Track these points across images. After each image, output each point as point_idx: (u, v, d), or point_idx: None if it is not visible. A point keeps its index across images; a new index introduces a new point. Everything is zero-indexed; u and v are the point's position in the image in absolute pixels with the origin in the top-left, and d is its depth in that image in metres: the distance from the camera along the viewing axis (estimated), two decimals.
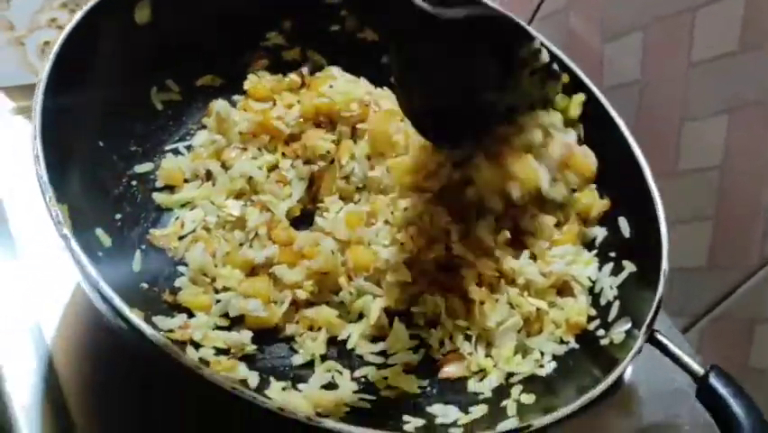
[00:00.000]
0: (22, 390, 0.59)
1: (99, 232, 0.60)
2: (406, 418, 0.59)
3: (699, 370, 0.61)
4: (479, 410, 0.61)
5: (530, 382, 0.64)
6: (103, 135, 0.66)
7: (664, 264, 0.65)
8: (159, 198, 0.69)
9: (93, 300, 0.52)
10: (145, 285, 0.62)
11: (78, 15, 0.63)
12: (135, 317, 0.49)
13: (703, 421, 0.67)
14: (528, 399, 0.62)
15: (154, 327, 0.56)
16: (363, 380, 0.63)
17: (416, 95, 0.62)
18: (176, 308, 0.62)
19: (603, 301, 0.69)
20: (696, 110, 0.79)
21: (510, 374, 0.65)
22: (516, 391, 0.63)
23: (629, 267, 0.69)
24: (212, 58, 0.76)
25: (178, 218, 0.68)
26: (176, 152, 0.73)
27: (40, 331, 0.62)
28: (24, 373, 0.60)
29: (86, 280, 0.50)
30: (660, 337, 0.62)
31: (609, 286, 0.69)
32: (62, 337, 0.62)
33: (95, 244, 0.59)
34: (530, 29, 0.70)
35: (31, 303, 0.64)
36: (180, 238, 0.67)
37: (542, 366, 0.66)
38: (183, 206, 0.69)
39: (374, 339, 0.66)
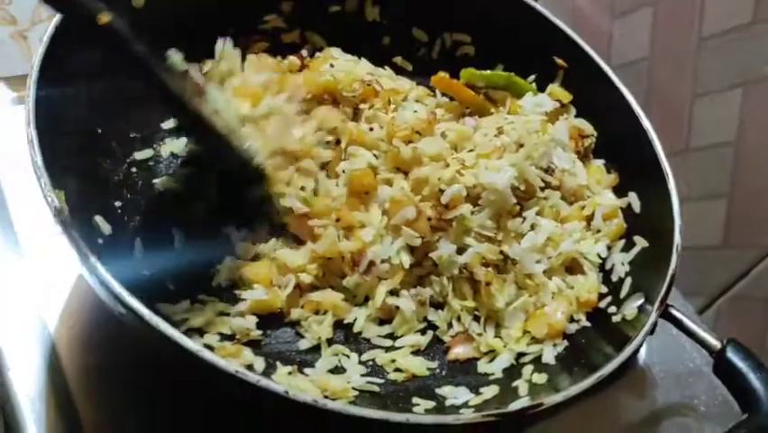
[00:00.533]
0: (27, 379, 0.59)
1: (99, 219, 0.59)
2: (415, 400, 0.59)
3: (716, 344, 0.60)
4: (489, 391, 0.61)
5: (541, 362, 0.63)
6: (100, 122, 0.65)
7: (677, 238, 0.64)
8: (160, 183, 0.68)
9: (94, 288, 0.51)
10: (147, 272, 0.61)
11: None
12: (136, 303, 0.48)
13: (720, 400, 0.67)
14: (540, 378, 0.61)
15: (157, 313, 0.56)
16: (371, 363, 0.63)
17: None
18: (179, 294, 0.61)
19: (614, 278, 0.68)
20: (708, 85, 0.78)
21: (521, 354, 0.64)
22: (527, 370, 0.63)
23: (641, 242, 0.69)
24: (210, 41, 0.75)
25: None
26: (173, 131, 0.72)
27: (43, 321, 0.62)
28: (28, 362, 0.60)
29: (85, 267, 0.50)
30: (674, 312, 0.62)
31: (621, 262, 0.69)
32: (65, 327, 0.62)
33: (94, 231, 0.58)
34: None
35: (33, 293, 0.64)
36: None
37: (553, 345, 0.65)
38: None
39: (381, 322, 0.66)
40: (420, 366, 0.63)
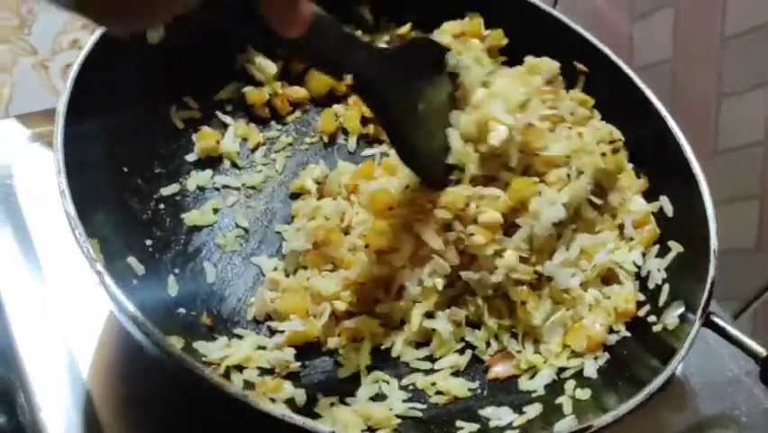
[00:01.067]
0: (59, 421, 0.58)
1: (131, 260, 0.59)
2: (459, 423, 0.59)
3: (762, 351, 0.60)
4: (533, 410, 0.60)
5: (583, 376, 0.63)
6: (126, 160, 0.65)
7: (713, 242, 0.64)
8: (188, 218, 0.68)
9: (131, 331, 0.51)
10: (182, 310, 0.62)
11: (91, 41, 0.62)
12: (177, 350, 0.49)
13: (761, 409, 0.66)
14: (584, 394, 0.61)
15: (196, 354, 0.57)
16: (412, 388, 0.63)
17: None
18: (216, 330, 0.61)
19: (651, 285, 0.67)
20: (733, 85, 0.77)
21: (562, 369, 0.64)
22: (569, 386, 0.62)
23: (676, 248, 0.68)
24: (228, 71, 0.75)
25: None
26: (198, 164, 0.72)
27: (74, 361, 0.62)
28: (60, 404, 0.59)
29: (122, 313, 0.50)
30: (716, 320, 0.61)
31: (657, 269, 0.68)
32: (98, 367, 0.62)
33: (128, 273, 0.58)
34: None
35: (63, 332, 0.64)
36: None
37: (594, 358, 0.64)
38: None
39: (418, 345, 0.65)
40: (461, 387, 0.63)
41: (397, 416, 0.58)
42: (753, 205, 0.77)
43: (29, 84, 0.82)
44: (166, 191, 0.68)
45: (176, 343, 0.55)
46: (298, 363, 0.61)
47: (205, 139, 0.72)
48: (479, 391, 0.64)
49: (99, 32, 0.62)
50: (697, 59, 0.80)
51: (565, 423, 0.57)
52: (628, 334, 0.66)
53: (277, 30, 0.48)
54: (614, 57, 0.76)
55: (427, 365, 0.64)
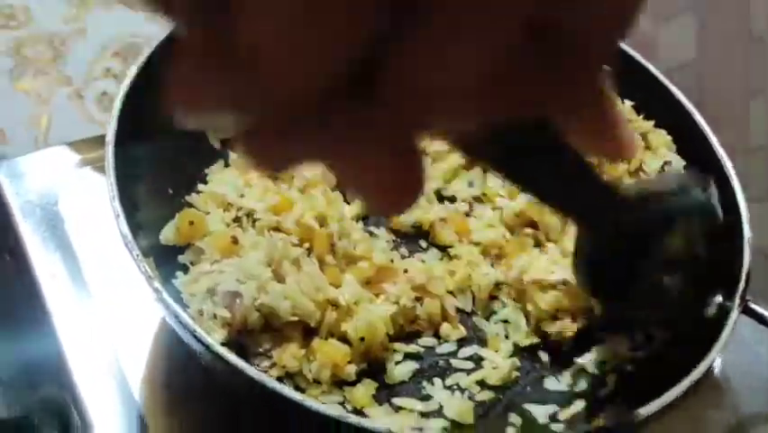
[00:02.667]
0: None
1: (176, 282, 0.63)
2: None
3: None
4: (576, 405, 0.62)
5: (624, 370, 0.65)
6: (170, 182, 0.69)
7: (747, 231, 0.65)
8: None
9: (188, 343, 0.54)
10: None
11: (134, 70, 0.66)
12: (237, 360, 0.52)
13: None
14: (626, 386, 0.63)
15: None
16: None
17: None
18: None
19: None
20: (761, 84, 0.78)
21: (603, 363, 0.66)
22: (611, 379, 0.64)
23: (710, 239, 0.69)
24: None
25: None
26: None
27: (124, 378, 0.65)
28: (112, 420, 0.62)
29: (183, 330, 0.53)
30: (755, 307, 0.63)
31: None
32: (147, 382, 0.65)
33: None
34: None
35: (113, 351, 0.66)
36: None
37: (636, 349, 0.66)
38: None
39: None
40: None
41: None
42: None
43: (65, 114, 0.86)
44: None
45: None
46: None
47: None
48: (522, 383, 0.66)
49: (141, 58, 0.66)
50: (724, 59, 0.82)
51: (611, 414, 0.59)
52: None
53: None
54: (641, 59, 0.78)
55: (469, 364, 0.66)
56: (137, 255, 0.54)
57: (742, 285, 0.62)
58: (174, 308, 0.52)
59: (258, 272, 0.61)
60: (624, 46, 0.79)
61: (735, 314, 0.60)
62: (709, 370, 0.69)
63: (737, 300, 0.61)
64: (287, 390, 0.51)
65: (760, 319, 0.63)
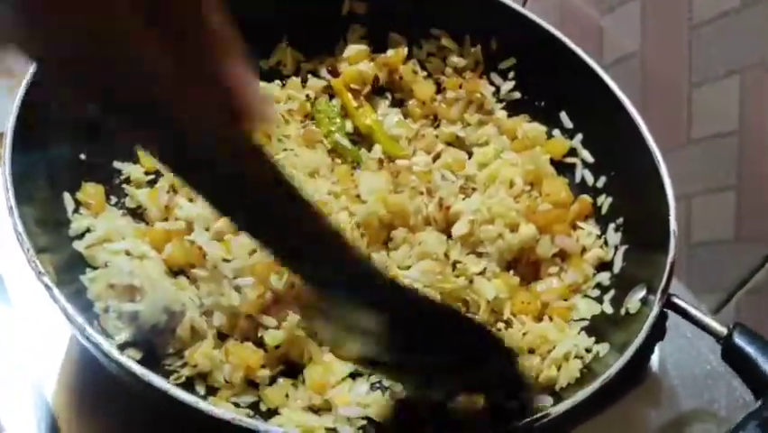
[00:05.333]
0: None
1: (85, 278, 0.62)
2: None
3: (722, 330, 0.61)
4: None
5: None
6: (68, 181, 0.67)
7: (673, 224, 0.65)
8: None
9: (81, 341, 0.54)
10: None
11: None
12: (125, 360, 0.51)
13: (741, 403, 0.68)
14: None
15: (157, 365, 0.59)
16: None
17: None
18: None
19: (616, 271, 0.70)
20: (704, 74, 0.78)
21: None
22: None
23: (639, 232, 0.71)
24: None
25: None
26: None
27: (40, 386, 0.64)
28: (26, 424, 0.61)
29: (75, 330, 0.52)
30: (678, 301, 0.63)
31: (621, 255, 0.71)
32: (61, 387, 0.64)
33: (82, 290, 0.61)
34: None
35: (28, 355, 0.66)
36: None
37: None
38: None
39: None
40: None
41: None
42: (729, 195, 0.78)
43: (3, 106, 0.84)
44: None
45: (134, 355, 0.58)
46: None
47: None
48: None
49: None
50: (666, 49, 0.82)
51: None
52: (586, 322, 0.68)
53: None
54: (583, 55, 0.79)
55: None
56: (27, 250, 0.53)
57: (665, 279, 0.62)
58: (64, 305, 0.52)
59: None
60: (567, 41, 0.80)
61: (656, 308, 0.61)
62: (647, 366, 0.70)
63: (659, 295, 0.61)
64: (180, 392, 0.51)
65: (683, 314, 0.63)
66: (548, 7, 0.87)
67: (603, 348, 0.63)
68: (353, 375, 0.64)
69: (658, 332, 0.63)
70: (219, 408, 0.52)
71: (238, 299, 0.63)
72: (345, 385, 0.64)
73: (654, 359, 0.71)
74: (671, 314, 0.64)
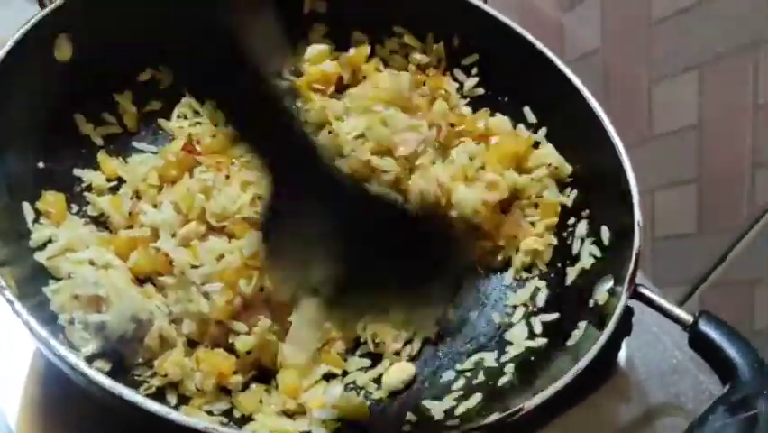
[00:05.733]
0: None
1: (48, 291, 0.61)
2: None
3: (688, 318, 0.62)
4: (473, 399, 0.62)
5: (523, 361, 0.66)
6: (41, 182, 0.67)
7: (637, 215, 0.66)
8: None
9: (56, 363, 0.53)
10: None
11: None
12: (105, 379, 0.50)
13: (707, 395, 0.69)
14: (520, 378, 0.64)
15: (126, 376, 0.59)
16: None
17: None
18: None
19: (586, 265, 0.71)
20: (664, 70, 0.80)
21: (503, 352, 0.67)
22: (509, 369, 0.65)
23: (604, 224, 0.71)
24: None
25: None
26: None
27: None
28: None
29: (40, 344, 0.51)
30: (644, 291, 0.64)
31: (588, 248, 0.71)
32: (27, 407, 0.63)
33: (45, 302, 0.59)
34: None
35: None
36: None
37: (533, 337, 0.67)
38: None
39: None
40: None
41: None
42: (691, 189, 0.80)
43: None
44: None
45: (102, 366, 0.58)
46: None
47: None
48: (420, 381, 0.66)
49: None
50: (626, 45, 0.83)
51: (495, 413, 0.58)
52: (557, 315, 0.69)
53: None
54: (547, 51, 0.79)
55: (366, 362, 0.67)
56: None
57: (631, 269, 0.63)
58: (27, 318, 0.51)
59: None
60: (531, 37, 0.80)
61: (624, 298, 0.61)
62: (615, 362, 0.72)
63: (626, 285, 0.62)
64: (151, 403, 0.50)
65: (649, 303, 0.64)
66: (509, 5, 0.88)
67: (576, 334, 0.64)
68: (327, 377, 0.65)
69: (624, 328, 0.64)
70: (192, 417, 0.52)
71: (207, 306, 0.62)
72: (319, 388, 0.63)
73: (621, 355, 0.72)
74: (636, 310, 0.65)
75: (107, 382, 0.50)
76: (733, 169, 0.75)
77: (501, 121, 0.83)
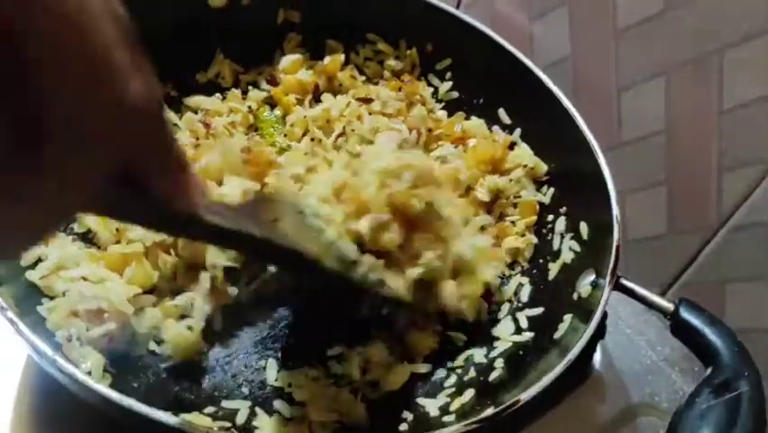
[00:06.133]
0: None
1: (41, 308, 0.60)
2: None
3: (669, 306, 0.65)
4: (467, 394, 0.64)
5: (512, 356, 0.68)
6: None
7: (615, 210, 0.69)
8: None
9: (54, 375, 0.53)
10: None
11: None
12: (114, 393, 0.51)
13: (681, 394, 0.71)
14: (509, 374, 0.66)
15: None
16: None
17: None
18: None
19: (566, 258, 0.73)
20: (631, 77, 0.83)
21: (491, 349, 0.69)
22: (499, 363, 0.67)
23: (583, 220, 0.74)
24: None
25: None
26: None
27: None
28: None
29: (46, 363, 0.52)
30: (625, 282, 0.66)
31: (569, 247, 0.74)
32: (19, 419, 0.62)
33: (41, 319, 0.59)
34: None
35: None
36: None
37: (519, 332, 0.70)
38: None
39: None
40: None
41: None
42: (661, 192, 0.83)
43: None
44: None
45: (105, 381, 0.58)
46: None
47: None
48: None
49: None
50: (594, 54, 0.86)
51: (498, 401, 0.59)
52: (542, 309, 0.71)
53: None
54: (521, 56, 0.82)
55: None
56: None
57: (612, 262, 0.65)
58: (30, 338, 0.51)
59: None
60: (505, 43, 0.83)
61: (607, 290, 0.64)
62: (590, 364, 0.74)
63: (609, 277, 0.65)
64: (161, 414, 0.51)
65: (631, 294, 0.66)
66: (480, 17, 0.90)
67: (563, 327, 0.66)
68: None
69: (599, 331, 0.66)
70: (198, 424, 0.52)
71: None
72: None
73: (597, 357, 0.74)
74: (610, 313, 0.68)
75: (117, 397, 0.50)
76: (701, 172, 0.78)
77: (477, 124, 0.85)
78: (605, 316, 0.66)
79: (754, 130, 0.74)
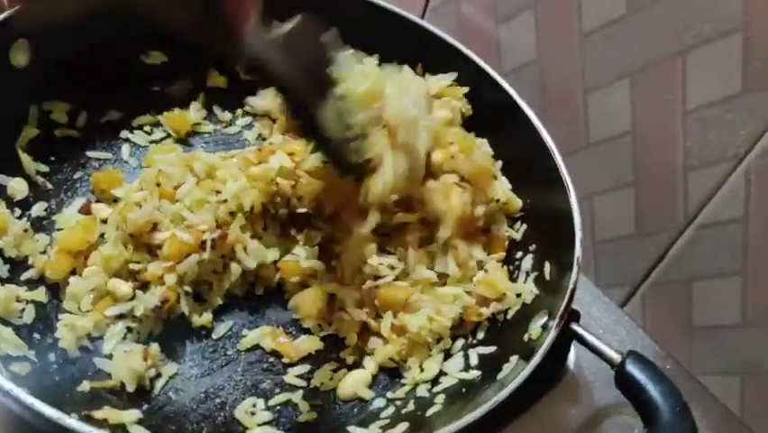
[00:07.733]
0: None
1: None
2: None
3: (616, 357, 0.63)
4: (399, 427, 0.64)
5: (454, 389, 0.68)
6: None
7: (578, 251, 0.68)
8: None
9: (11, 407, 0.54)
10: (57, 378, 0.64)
11: None
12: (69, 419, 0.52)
13: None
14: (450, 407, 0.66)
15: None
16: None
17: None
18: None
19: (527, 300, 0.73)
20: (597, 79, 0.83)
21: (434, 382, 0.69)
22: (439, 399, 0.67)
23: (548, 260, 0.74)
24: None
25: None
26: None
27: None
28: None
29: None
30: (575, 327, 0.66)
31: (530, 284, 0.74)
32: None
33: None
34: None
35: None
36: None
37: (467, 369, 0.70)
38: None
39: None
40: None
41: None
42: (628, 193, 0.84)
43: None
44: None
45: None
46: None
47: None
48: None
49: None
50: (560, 57, 0.86)
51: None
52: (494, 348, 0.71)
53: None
54: (483, 64, 0.82)
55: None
56: None
57: (563, 307, 0.64)
58: None
59: None
60: (469, 52, 0.83)
61: (553, 333, 0.63)
62: (565, 366, 0.75)
63: (557, 321, 0.64)
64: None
65: (579, 339, 0.66)
66: (447, 21, 0.90)
67: (507, 368, 0.66)
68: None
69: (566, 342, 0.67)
70: None
71: None
72: None
73: (570, 357, 0.75)
74: (583, 312, 0.67)
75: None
76: (667, 172, 0.78)
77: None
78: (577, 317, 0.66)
79: (717, 129, 0.74)
